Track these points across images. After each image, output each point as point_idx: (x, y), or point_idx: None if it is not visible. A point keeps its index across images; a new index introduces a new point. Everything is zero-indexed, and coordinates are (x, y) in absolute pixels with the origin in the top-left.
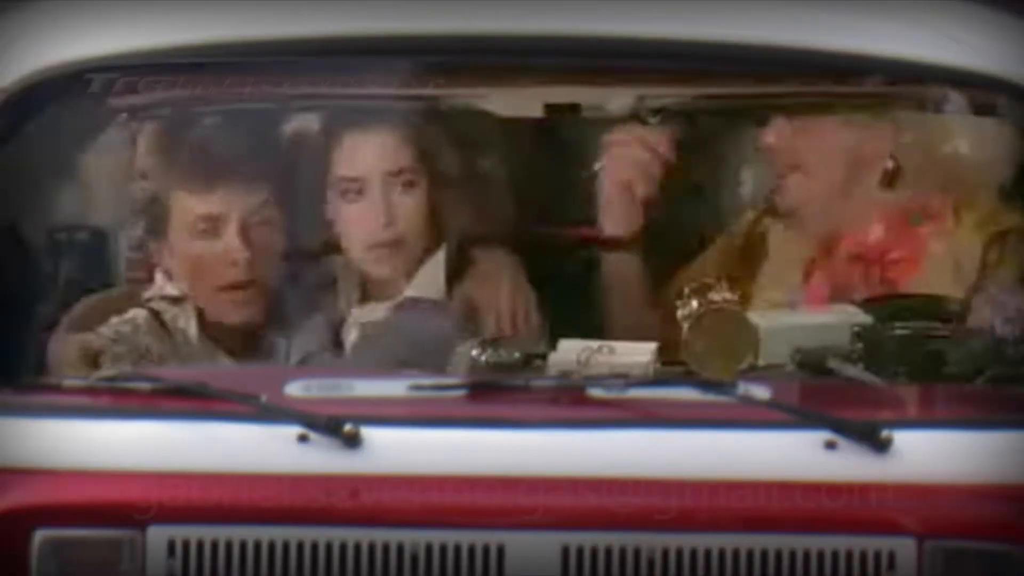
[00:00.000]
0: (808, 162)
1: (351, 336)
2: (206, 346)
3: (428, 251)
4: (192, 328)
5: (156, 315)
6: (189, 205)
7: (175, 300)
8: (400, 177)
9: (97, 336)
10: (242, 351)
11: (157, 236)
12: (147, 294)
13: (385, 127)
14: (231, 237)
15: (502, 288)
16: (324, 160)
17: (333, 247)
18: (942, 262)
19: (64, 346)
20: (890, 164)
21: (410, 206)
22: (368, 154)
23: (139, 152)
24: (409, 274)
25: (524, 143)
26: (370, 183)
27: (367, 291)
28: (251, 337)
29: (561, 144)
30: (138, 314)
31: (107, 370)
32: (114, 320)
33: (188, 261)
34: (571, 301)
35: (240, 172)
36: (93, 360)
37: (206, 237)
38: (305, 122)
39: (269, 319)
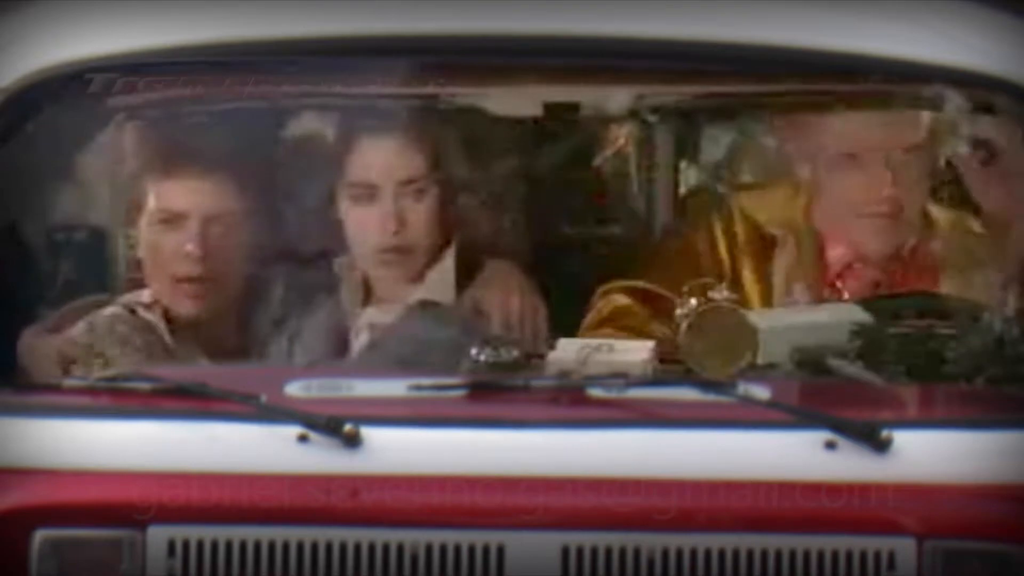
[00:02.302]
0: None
1: (361, 338)
2: (181, 345)
3: (436, 255)
4: (164, 329)
5: (132, 312)
6: (157, 195)
7: (148, 306)
8: (412, 185)
9: (70, 337)
10: (220, 350)
11: (132, 221)
12: (123, 298)
13: (397, 134)
14: (190, 232)
15: (509, 291)
16: (333, 162)
17: (331, 249)
18: (942, 262)
19: (38, 347)
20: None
21: (420, 213)
22: (382, 161)
23: (134, 150)
24: (415, 279)
25: (531, 144)
26: (382, 190)
27: (371, 293)
28: (231, 336)
29: (563, 143)
30: (115, 310)
31: (107, 370)
32: (91, 316)
33: (150, 252)
34: (572, 300)
35: (226, 166)
36: (67, 359)
37: (166, 229)
38: (301, 125)
39: (255, 318)
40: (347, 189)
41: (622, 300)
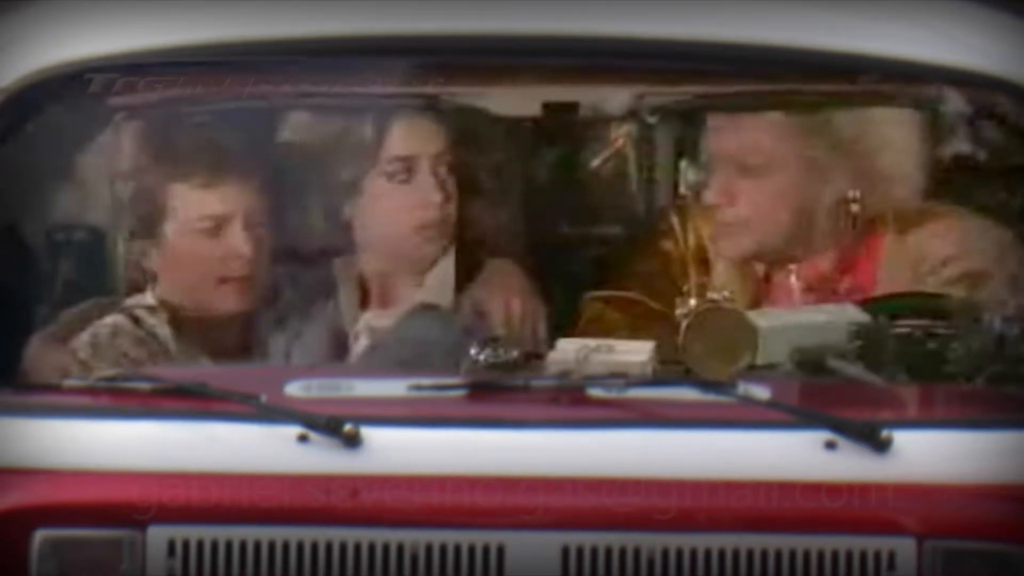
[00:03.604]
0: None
1: (361, 340)
2: (185, 350)
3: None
4: (168, 335)
5: (135, 320)
6: (192, 201)
7: (152, 309)
8: (445, 158)
9: (72, 350)
10: (224, 354)
11: (153, 234)
12: (127, 303)
13: (426, 117)
14: (236, 233)
15: (509, 291)
16: (369, 146)
17: (335, 249)
18: (939, 262)
19: (41, 360)
20: (853, 195)
21: (453, 189)
22: (419, 135)
23: (135, 150)
24: (423, 271)
25: (530, 144)
26: (420, 163)
27: (370, 295)
28: (234, 340)
29: (562, 144)
30: (117, 320)
31: (107, 370)
32: (93, 327)
33: (187, 257)
34: (570, 301)
35: (245, 169)
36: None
37: (210, 234)
38: (306, 121)
39: (257, 320)
40: (385, 166)
41: (598, 308)
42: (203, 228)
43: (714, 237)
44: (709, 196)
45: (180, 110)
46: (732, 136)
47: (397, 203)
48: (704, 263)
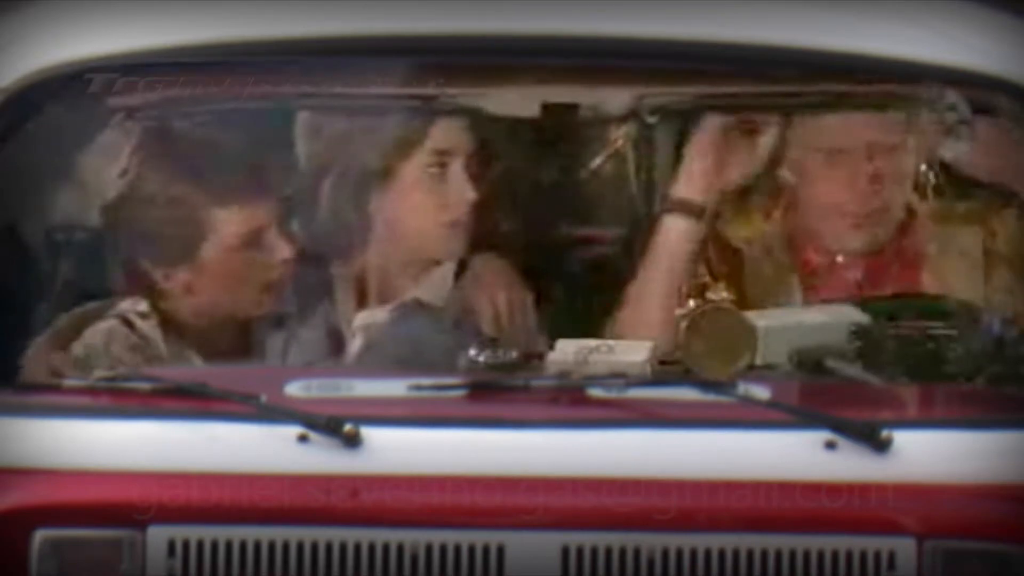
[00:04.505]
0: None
1: (356, 338)
2: (180, 354)
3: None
4: (161, 339)
5: (129, 325)
6: (224, 218)
7: (144, 314)
8: (477, 156)
9: (68, 355)
10: (220, 357)
11: (189, 256)
12: (120, 307)
13: (459, 117)
14: (272, 239)
15: (501, 292)
16: (408, 140)
17: (333, 248)
18: (942, 263)
19: (40, 360)
20: (929, 175)
21: (476, 187)
22: (456, 129)
23: (161, 176)
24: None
25: (527, 144)
26: (456, 157)
27: (371, 293)
28: (231, 343)
29: (560, 144)
30: (112, 325)
31: (107, 370)
32: (87, 333)
33: (226, 272)
34: (570, 301)
35: (271, 177)
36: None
37: (247, 246)
38: (321, 119)
39: (256, 322)
40: (426, 157)
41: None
42: (239, 243)
43: (825, 230)
44: (836, 184)
45: (180, 111)
46: (865, 127)
47: (428, 198)
48: (725, 266)
